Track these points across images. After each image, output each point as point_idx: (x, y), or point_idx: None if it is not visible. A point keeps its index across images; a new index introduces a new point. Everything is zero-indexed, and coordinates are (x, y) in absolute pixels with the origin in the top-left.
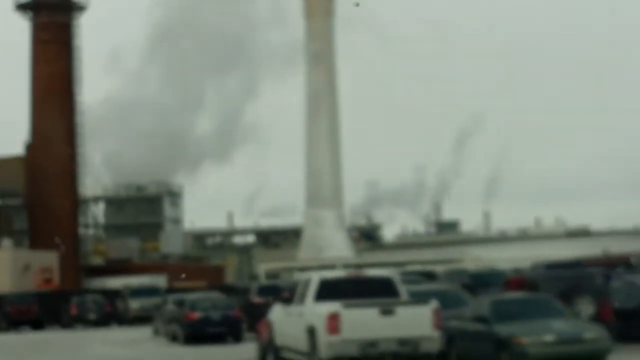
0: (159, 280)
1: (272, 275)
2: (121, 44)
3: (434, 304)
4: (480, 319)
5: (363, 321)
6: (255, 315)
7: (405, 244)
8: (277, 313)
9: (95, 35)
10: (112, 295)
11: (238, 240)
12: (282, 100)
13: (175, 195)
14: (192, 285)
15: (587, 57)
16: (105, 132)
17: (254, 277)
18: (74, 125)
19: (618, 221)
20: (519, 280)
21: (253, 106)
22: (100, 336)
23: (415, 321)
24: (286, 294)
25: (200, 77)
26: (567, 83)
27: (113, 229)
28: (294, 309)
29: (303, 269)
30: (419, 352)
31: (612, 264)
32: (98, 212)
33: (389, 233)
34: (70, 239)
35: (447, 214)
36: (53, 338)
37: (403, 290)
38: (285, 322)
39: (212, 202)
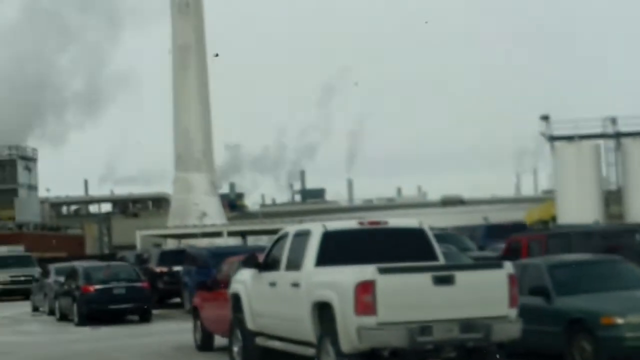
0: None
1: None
2: None
3: (508, 267)
4: (536, 291)
5: (410, 294)
6: (160, 289)
7: (272, 212)
8: (248, 283)
9: None
10: None
11: (94, 209)
12: (149, 55)
13: (29, 160)
14: (52, 256)
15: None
16: None
17: (115, 247)
18: None
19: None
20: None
21: (117, 62)
22: None
23: (486, 294)
24: (254, 257)
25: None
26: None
27: None
28: (281, 276)
29: (183, 236)
30: (491, 340)
31: None
32: None
33: (249, 201)
34: None
35: (311, 183)
36: None
37: (439, 249)
38: (266, 296)
39: (69, 168)
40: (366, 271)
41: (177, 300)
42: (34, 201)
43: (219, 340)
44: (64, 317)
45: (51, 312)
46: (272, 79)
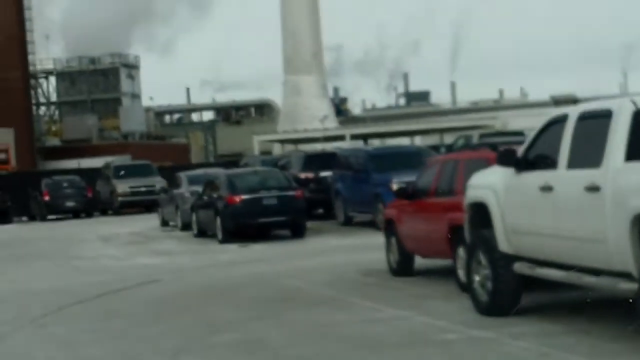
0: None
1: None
2: None
3: None
4: None
5: None
6: (307, 199)
7: (377, 116)
8: (498, 188)
9: None
10: (90, 176)
11: (196, 117)
12: None
13: (132, 68)
14: (158, 166)
15: None
16: None
17: (221, 155)
18: None
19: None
20: None
21: None
22: (92, 230)
23: None
24: (512, 152)
25: None
26: None
27: (67, 106)
28: (562, 177)
29: (302, 141)
30: None
31: None
32: (49, 88)
33: (351, 106)
34: (22, 117)
35: (414, 86)
36: (30, 234)
37: None
38: (534, 205)
39: (171, 75)
40: None
41: (320, 211)
42: (139, 110)
43: (421, 262)
44: (202, 233)
45: (185, 227)
46: None
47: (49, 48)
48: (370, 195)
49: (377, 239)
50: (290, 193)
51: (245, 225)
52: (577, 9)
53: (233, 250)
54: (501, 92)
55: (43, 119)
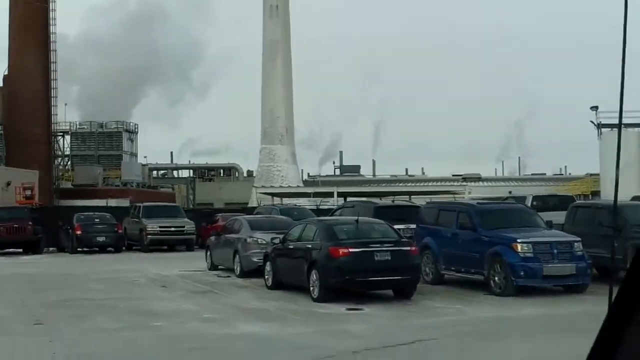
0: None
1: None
2: None
3: None
4: None
5: None
6: None
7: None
8: None
9: None
10: (116, 214)
11: (179, 174)
12: (241, 46)
13: (131, 133)
14: None
15: None
16: (78, 68)
17: (198, 204)
18: (49, 60)
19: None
20: None
21: (213, 54)
22: (133, 269)
23: None
24: None
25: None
26: None
27: (78, 158)
28: None
29: (289, 195)
30: None
31: None
32: (65, 143)
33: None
34: (44, 164)
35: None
36: (68, 269)
37: None
38: None
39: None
40: None
41: None
42: (137, 165)
43: None
44: (278, 285)
45: (244, 275)
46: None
47: (66, 112)
48: (484, 254)
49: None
50: (406, 248)
51: (352, 283)
52: (465, 112)
53: (349, 317)
54: (407, 170)
55: (59, 167)
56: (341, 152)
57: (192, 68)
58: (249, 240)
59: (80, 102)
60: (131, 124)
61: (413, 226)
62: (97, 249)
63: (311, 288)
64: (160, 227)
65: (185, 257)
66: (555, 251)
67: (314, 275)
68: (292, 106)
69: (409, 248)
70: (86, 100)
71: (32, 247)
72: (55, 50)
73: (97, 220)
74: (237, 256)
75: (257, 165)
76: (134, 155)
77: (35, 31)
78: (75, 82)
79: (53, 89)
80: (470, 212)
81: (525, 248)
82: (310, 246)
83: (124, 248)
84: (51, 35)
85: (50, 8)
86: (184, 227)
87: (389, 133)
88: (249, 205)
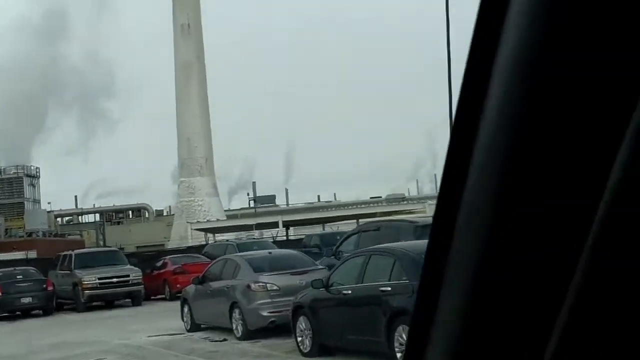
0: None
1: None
2: None
3: None
4: None
5: None
6: None
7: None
8: None
9: None
10: (42, 267)
11: (83, 219)
12: (153, 70)
13: (33, 177)
14: None
15: None
16: None
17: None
18: None
19: None
20: None
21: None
22: (87, 337)
23: None
24: None
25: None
26: None
27: None
28: None
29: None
30: None
31: None
32: None
33: None
34: None
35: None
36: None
37: None
38: None
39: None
40: None
41: None
42: (41, 213)
43: None
44: (321, 350)
45: (247, 336)
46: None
47: None
48: None
49: None
50: None
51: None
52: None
53: None
54: (319, 197)
55: None
56: (254, 183)
57: (99, 97)
58: (254, 287)
59: None
60: (32, 167)
61: None
62: (19, 313)
63: (396, 351)
64: (99, 278)
65: (139, 314)
66: None
67: (397, 335)
68: (210, 133)
69: None
70: None
71: None
72: None
73: (20, 277)
74: (237, 310)
75: (176, 201)
76: (37, 202)
77: None
78: None
79: None
80: None
81: None
82: (390, 289)
83: (53, 309)
84: None
85: None
86: (128, 275)
87: (300, 160)
88: (170, 246)
